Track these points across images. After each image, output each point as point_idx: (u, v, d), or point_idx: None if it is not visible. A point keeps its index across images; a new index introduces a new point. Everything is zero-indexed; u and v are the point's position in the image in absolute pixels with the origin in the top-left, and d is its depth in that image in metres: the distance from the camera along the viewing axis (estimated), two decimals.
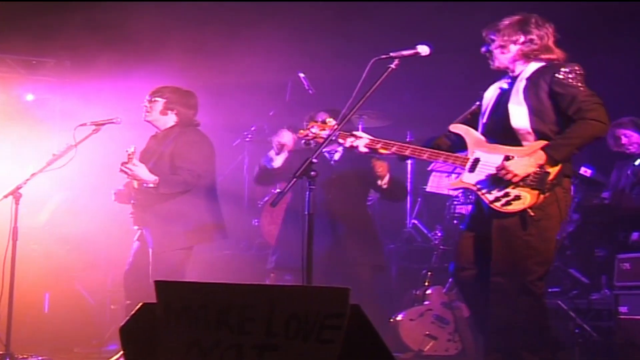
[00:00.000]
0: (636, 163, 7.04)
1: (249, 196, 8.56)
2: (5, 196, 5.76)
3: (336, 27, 8.12)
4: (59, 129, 8.24)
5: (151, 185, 5.54)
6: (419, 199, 8.83)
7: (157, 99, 5.86)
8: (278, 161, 5.85)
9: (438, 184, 8.25)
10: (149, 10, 7.62)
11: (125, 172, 5.53)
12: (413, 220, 8.73)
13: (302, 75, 8.17)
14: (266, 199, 8.03)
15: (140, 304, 2.90)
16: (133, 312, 2.89)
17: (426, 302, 6.86)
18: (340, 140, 4.67)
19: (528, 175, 4.24)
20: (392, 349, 2.68)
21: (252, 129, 8.46)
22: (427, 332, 6.64)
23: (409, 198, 8.54)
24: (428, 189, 8.32)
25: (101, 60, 7.83)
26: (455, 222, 7.52)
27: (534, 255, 4.33)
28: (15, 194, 5.73)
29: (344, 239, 5.98)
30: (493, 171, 4.34)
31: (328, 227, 5.95)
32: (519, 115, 4.39)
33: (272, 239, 7.73)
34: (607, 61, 7.56)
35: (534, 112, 4.38)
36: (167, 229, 5.65)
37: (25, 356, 6.02)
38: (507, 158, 4.33)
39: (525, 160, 4.27)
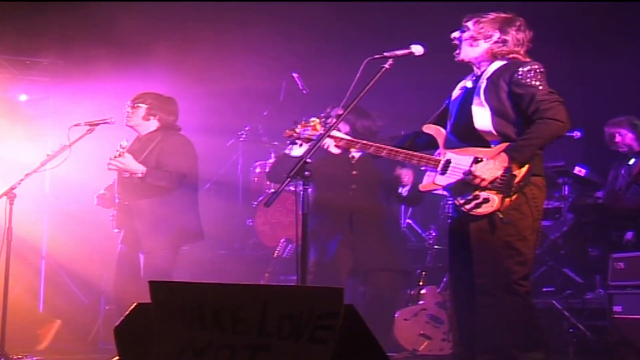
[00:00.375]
0: (630, 162, 7.05)
1: (243, 196, 8.55)
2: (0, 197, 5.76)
3: (330, 27, 8.11)
4: (52, 129, 8.22)
5: (139, 174, 5.63)
6: None
7: (139, 105, 5.92)
8: (298, 151, 5.48)
9: None
10: (142, 10, 7.61)
11: (115, 166, 5.62)
12: (407, 220, 8.71)
13: (295, 75, 8.17)
14: (260, 199, 8.02)
15: (134, 304, 2.90)
16: (127, 313, 2.88)
17: (420, 302, 6.85)
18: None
19: (495, 179, 4.20)
20: (386, 348, 2.68)
21: (247, 128, 8.44)
22: (422, 332, 6.64)
23: None
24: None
25: (95, 61, 7.81)
26: (449, 221, 7.49)
27: (514, 255, 4.27)
28: (10, 194, 5.72)
29: (362, 238, 5.76)
30: (462, 174, 4.31)
31: (348, 223, 5.79)
32: (482, 117, 4.33)
33: (266, 239, 7.72)
34: (607, 61, 7.56)
35: (497, 114, 4.31)
36: (155, 228, 5.70)
37: (20, 356, 6.01)
38: (476, 160, 4.29)
39: (491, 163, 4.23)
